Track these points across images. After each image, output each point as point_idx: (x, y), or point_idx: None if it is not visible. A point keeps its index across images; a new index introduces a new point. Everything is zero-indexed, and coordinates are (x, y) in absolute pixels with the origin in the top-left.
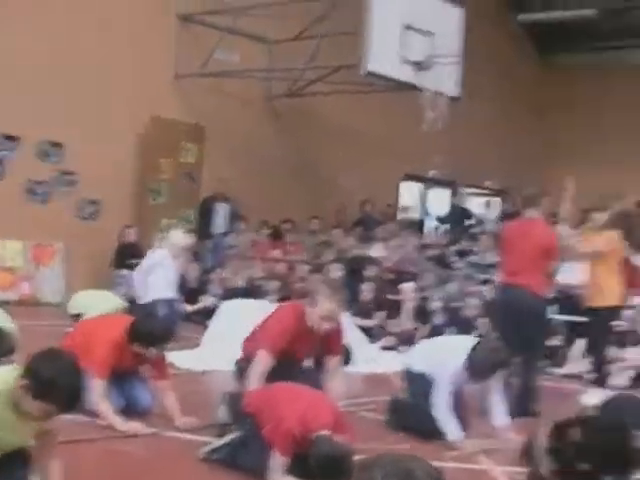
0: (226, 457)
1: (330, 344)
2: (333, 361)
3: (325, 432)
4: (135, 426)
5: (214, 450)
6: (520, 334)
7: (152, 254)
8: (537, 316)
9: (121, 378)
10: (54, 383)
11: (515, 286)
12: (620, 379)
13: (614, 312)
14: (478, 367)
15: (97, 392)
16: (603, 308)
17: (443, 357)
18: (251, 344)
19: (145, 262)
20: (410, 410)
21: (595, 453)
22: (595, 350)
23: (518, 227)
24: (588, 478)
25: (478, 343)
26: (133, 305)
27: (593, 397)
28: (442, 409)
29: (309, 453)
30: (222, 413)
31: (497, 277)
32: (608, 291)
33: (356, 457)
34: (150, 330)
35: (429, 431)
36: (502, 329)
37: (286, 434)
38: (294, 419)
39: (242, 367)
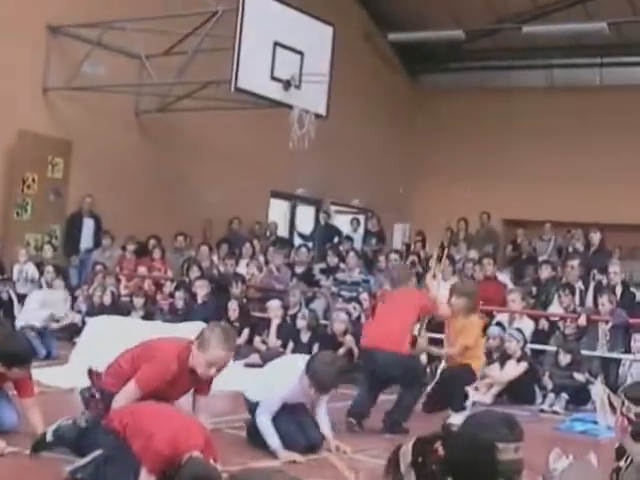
0: (91, 475)
1: (202, 385)
2: (201, 401)
3: (195, 453)
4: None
5: (78, 469)
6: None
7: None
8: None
9: None
10: None
11: (381, 349)
12: (485, 397)
13: None
14: (322, 379)
15: None
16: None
17: (274, 381)
18: (111, 378)
19: None
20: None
21: (458, 467)
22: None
23: (389, 297)
24: None
25: (313, 358)
26: None
27: (458, 417)
28: (263, 423)
29: (178, 473)
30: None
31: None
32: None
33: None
34: (10, 350)
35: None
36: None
37: (156, 454)
38: (165, 440)
39: (87, 397)
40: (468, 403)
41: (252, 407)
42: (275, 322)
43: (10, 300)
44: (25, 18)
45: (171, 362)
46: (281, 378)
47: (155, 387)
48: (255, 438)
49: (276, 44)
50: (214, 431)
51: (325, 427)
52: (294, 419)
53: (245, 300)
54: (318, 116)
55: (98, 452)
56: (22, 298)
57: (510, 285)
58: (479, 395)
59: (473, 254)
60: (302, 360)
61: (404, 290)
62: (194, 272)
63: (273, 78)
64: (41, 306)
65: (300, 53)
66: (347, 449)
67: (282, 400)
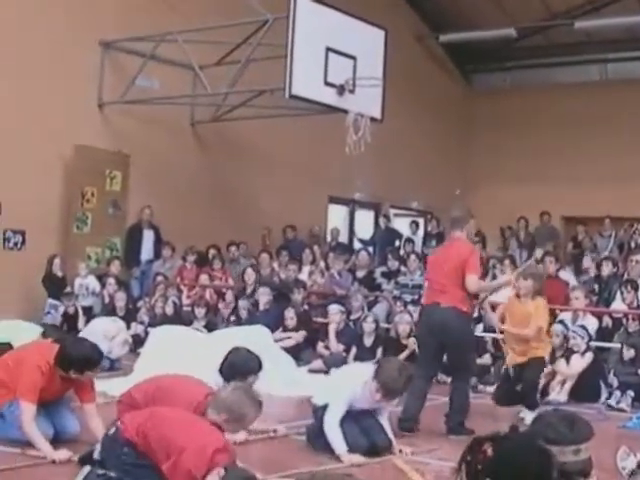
0: None
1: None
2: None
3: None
4: (64, 454)
5: None
6: (448, 354)
7: None
8: (463, 334)
9: (48, 407)
10: None
11: (438, 306)
12: (559, 395)
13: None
14: (391, 387)
15: (27, 417)
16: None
17: (340, 386)
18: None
19: None
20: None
21: (501, 470)
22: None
23: (442, 249)
24: None
25: (381, 365)
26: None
27: (530, 415)
28: (330, 425)
29: None
30: None
31: (422, 299)
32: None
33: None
34: (82, 355)
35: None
36: (428, 350)
37: (189, 470)
38: (195, 453)
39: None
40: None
41: (318, 412)
42: (333, 327)
43: (75, 314)
44: (78, 34)
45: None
46: (347, 384)
47: None
48: (318, 442)
49: (328, 49)
50: (282, 437)
51: (388, 434)
52: (358, 422)
53: (307, 306)
54: (373, 120)
55: (86, 470)
56: (85, 311)
57: (573, 282)
58: (554, 394)
59: (538, 252)
60: (367, 367)
61: (453, 243)
62: (255, 280)
63: (327, 83)
64: (103, 337)
65: (353, 58)
66: (408, 450)
67: (347, 405)
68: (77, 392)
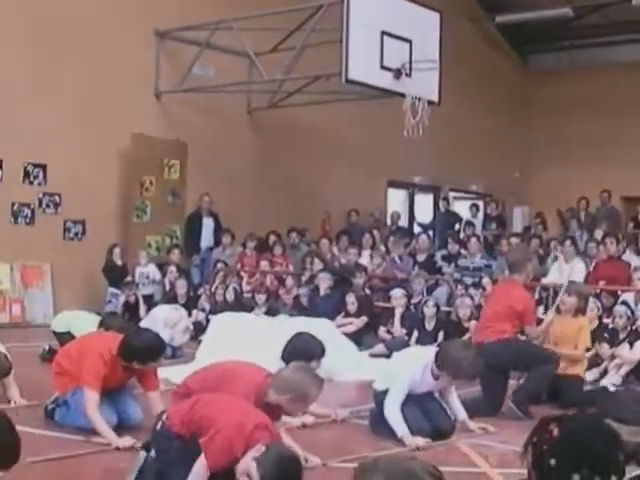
0: None
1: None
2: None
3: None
4: (128, 441)
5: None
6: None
7: None
8: (519, 354)
9: (112, 395)
10: None
11: (483, 346)
12: (614, 378)
13: None
14: (457, 368)
15: (91, 404)
16: None
17: (401, 370)
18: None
19: None
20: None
21: (564, 450)
22: None
23: (498, 289)
24: (556, 475)
25: (445, 347)
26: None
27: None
28: (391, 409)
29: (260, 463)
30: None
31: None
32: None
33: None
34: (145, 346)
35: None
36: (492, 386)
37: (227, 444)
38: (232, 427)
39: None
40: None
41: (379, 396)
42: (399, 311)
43: (136, 302)
44: (134, 25)
45: (248, 396)
46: (407, 367)
47: None
48: (380, 427)
49: (383, 33)
50: (343, 422)
51: (460, 412)
52: (420, 406)
53: (369, 291)
54: (430, 103)
55: (142, 457)
56: (146, 300)
57: (635, 263)
58: (608, 377)
59: (598, 234)
60: (428, 350)
61: (510, 284)
62: (316, 265)
63: (383, 67)
64: (164, 325)
65: (408, 41)
66: (490, 428)
67: (408, 388)
68: (140, 380)
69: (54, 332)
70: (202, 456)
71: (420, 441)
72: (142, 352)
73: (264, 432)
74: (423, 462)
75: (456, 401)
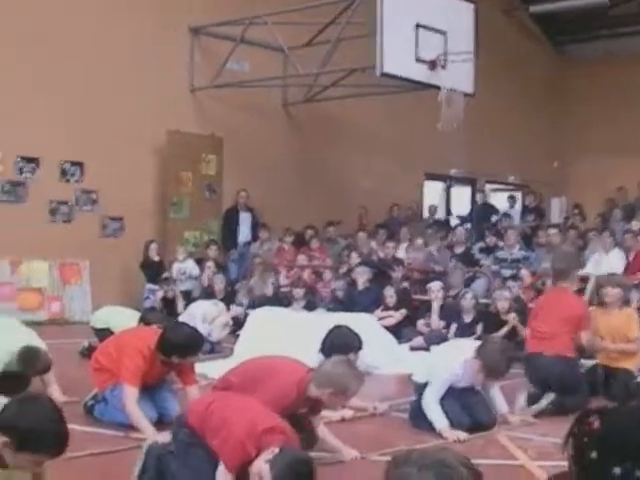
0: (155, 468)
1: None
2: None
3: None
4: (167, 436)
5: (143, 472)
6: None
7: None
8: (570, 381)
9: (151, 391)
10: (37, 432)
11: (541, 356)
12: None
13: None
14: (494, 367)
15: (130, 400)
16: None
17: (441, 363)
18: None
19: None
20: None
21: (605, 442)
22: None
23: (547, 298)
24: (597, 468)
25: (484, 345)
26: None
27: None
28: (430, 402)
29: (273, 465)
30: None
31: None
32: None
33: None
34: (184, 342)
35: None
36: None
37: (235, 445)
38: (243, 427)
39: None
40: None
41: (419, 389)
42: (436, 304)
43: (174, 298)
44: (168, 21)
45: (290, 390)
46: (448, 361)
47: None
48: (419, 420)
49: (418, 26)
50: (382, 415)
51: (502, 406)
52: (460, 399)
53: (407, 284)
54: (466, 95)
55: (146, 447)
56: (184, 295)
57: None
58: None
59: (635, 225)
60: (468, 344)
61: (560, 292)
62: (353, 259)
63: (418, 60)
64: (203, 320)
65: (443, 33)
66: (531, 419)
67: (448, 382)
68: (179, 375)
69: (93, 328)
70: (221, 464)
71: (459, 434)
72: (181, 347)
73: (276, 435)
74: (456, 453)
75: (498, 395)
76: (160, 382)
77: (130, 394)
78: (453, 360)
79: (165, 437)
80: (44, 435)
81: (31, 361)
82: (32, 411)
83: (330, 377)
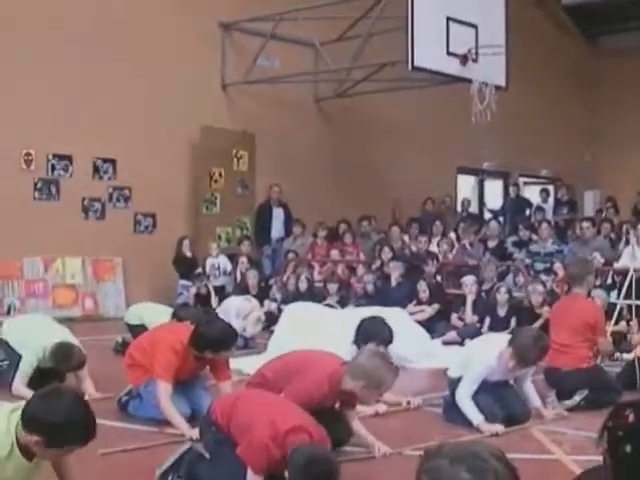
0: (188, 476)
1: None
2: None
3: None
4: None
5: (169, 470)
6: None
7: None
8: (598, 385)
9: (185, 387)
10: (64, 427)
11: (559, 372)
12: None
13: None
14: (526, 355)
15: (164, 396)
16: None
17: (474, 357)
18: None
19: None
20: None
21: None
22: None
23: (561, 306)
24: (632, 461)
25: (517, 334)
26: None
27: None
28: (464, 397)
29: (289, 460)
30: None
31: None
32: None
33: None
34: (218, 336)
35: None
36: None
37: (259, 446)
38: (264, 426)
39: None
40: None
41: (454, 384)
42: (470, 298)
43: (207, 294)
44: (198, 18)
45: (322, 382)
46: (483, 354)
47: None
48: (453, 414)
49: (449, 19)
50: (416, 409)
51: (534, 399)
52: (493, 393)
53: (440, 278)
54: (498, 88)
55: (186, 447)
56: (217, 291)
57: None
58: None
59: None
60: (502, 337)
61: (573, 298)
62: (386, 254)
63: (449, 53)
64: (236, 315)
65: (474, 26)
66: (564, 413)
67: (482, 376)
68: (212, 371)
69: (127, 324)
70: (249, 469)
71: (497, 427)
72: (214, 342)
73: (299, 434)
74: (489, 446)
75: (531, 389)
76: (194, 378)
77: (163, 390)
78: (488, 353)
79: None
80: (71, 429)
81: (65, 357)
82: (57, 406)
83: (365, 369)
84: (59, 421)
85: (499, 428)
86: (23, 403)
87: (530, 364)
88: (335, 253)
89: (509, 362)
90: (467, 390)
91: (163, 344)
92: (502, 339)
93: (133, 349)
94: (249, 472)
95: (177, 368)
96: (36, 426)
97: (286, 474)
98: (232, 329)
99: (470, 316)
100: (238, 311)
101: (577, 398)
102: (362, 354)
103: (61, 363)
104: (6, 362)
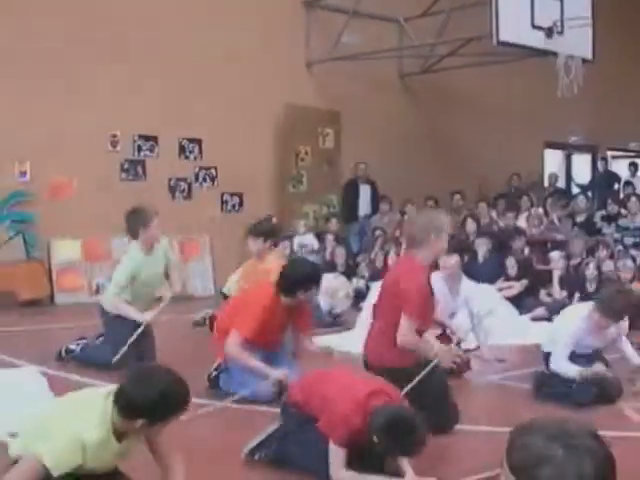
0: (271, 454)
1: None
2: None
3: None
4: (283, 371)
5: (255, 448)
6: None
7: None
8: None
9: (269, 357)
10: (164, 401)
11: None
12: None
13: None
14: (610, 304)
15: (233, 344)
16: None
17: (561, 327)
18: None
19: None
20: (554, 383)
21: None
22: None
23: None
24: None
25: (602, 290)
26: None
27: None
28: (558, 360)
29: (370, 430)
30: None
31: None
32: None
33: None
34: (305, 272)
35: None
36: None
37: (340, 419)
38: (346, 402)
39: None
40: None
41: (548, 358)
42: (557, 273)
43: None
44: None
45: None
46: (570, 318)
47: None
48: (543, 391)
49: None
50: (501, 386)
51: (633, 357)
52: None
53: (528, 253)
54: (585, 61)
55: (273, 427)
56: None
57: None
58: None
59: None
60: (589, 304)
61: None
62: (470, 225)
63: (534, 27)
64: (325, 293)
65: None
66: None
67: (574, 338)
68: (298, 323)
69: (223, 294)
70: (330, 441)
71: (598, 368)
72: (303, 279)
73: (380, 397)
74: (582, 423)
75: (628, 347)
76: (279, 347)
77: (235, 339)
78: (576, 315)
79: (281, 374)
80: (170, 401)
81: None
82: (149, 385)
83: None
84: (156, 399)
85: (600, 368)
86: (116, 387)
87: (617, 316)
88: None
89: (594, 315)
90: (561, 353)
91: (251, 300)
92: (589, 305)
93: (219, 320)
94: (330, 444)
95: (265, 323)
96: (136, 412)
97: (373, 438)
98: (315, 264)
99: (558, 292)
100: (326, 289)
101: None
102: None
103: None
104: (101, 338)
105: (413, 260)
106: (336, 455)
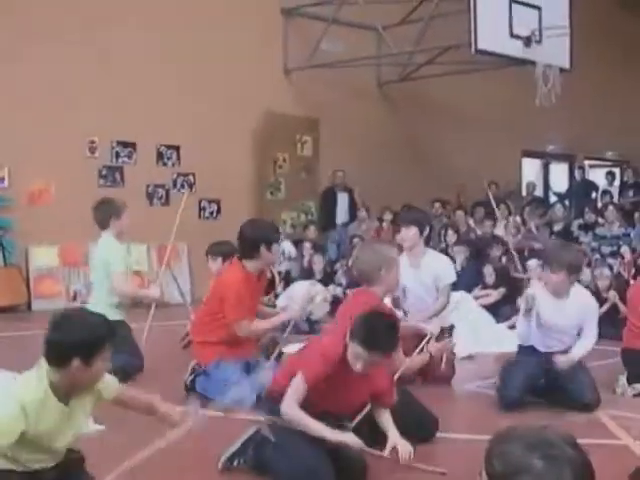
0: (251, 462)
1: None
2: None
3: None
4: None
5: (234, 455)
6: None
7: None
8: None
9: (248, 367)
10: (90, 332)
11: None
12: None
13: None
14: (554, 255)
15: (245, 326)
16: None
17: None
18: None
19: None
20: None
21: None
22: None
23: (637, 286)
24: None
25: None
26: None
27: None
28: (518, 328)
29: (350, 335)
30: None
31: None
32: None
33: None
34: (262, 229)
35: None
36: None
37: (322, 351)
38: (327, 339)
39: None
40: None
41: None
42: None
43: (272, 279)
44: (260, 4)
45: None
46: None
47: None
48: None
49: (512, 1)
50: (480, 394)
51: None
52: (567, 377)
53: (505, 262)
54: (562, 70)
55: (252, 430)
56: (282, 276)
57: None
58: None
59: None
60: None
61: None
62: (450, 237)
63: (513, 36)
64: (302, 300)
65: (538, 7)
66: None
67: (531, 304)
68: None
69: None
70: (299, 374)
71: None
72: (263, 236)
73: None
74: (561, 432)
75: (580, 348)
76: (255, 355)
77: (244, 324)
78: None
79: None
80: (94, 330)
81: None
82: (71, 322)
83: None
84: (78, 330)
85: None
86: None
87: (563, 265)
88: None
89: (541, 274)
90: (520, 321)
91: (226, 289)
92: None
93: (198, 323)
94: (297, 377)
95: (248, 295)
96: (66, 353)
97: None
98: (270, 221)
99: None
100: (304, 296)
101: None
102: None
103: None
104: None
105: (367, 294)
106: (297, 389)
